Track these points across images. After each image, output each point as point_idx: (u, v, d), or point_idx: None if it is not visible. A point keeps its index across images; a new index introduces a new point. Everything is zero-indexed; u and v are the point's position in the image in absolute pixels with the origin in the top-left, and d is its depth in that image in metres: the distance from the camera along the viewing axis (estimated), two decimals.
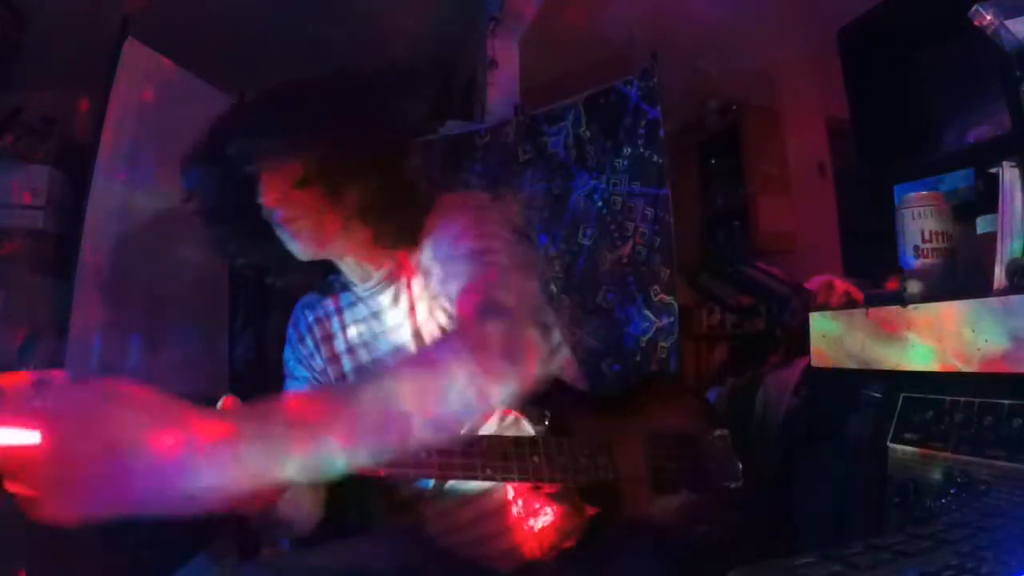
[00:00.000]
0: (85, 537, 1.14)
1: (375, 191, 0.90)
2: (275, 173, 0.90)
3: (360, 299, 1.02)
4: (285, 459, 0.56)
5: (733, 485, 1.05)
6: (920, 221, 1.39)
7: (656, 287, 2.27)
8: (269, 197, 0.90)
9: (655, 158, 2.32)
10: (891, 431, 1.28)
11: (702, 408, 1.13)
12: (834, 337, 1.46)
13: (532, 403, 0.94)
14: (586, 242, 2.47)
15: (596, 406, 1.04)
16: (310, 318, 1.08)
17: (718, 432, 1.08)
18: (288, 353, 1.09)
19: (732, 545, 1.00)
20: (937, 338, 1.22)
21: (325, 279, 1.05)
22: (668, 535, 0.97)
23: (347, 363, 1.04)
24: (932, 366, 1.23)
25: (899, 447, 1.26)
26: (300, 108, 0.93)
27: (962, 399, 1.17)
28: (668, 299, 2.25)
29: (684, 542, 0.98)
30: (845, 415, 1.58)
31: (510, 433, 0.93)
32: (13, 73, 2.87)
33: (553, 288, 2.18)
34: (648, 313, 2.28)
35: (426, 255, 0.94)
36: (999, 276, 1.18)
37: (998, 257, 1.19)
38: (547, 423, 0.93)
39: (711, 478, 1.04)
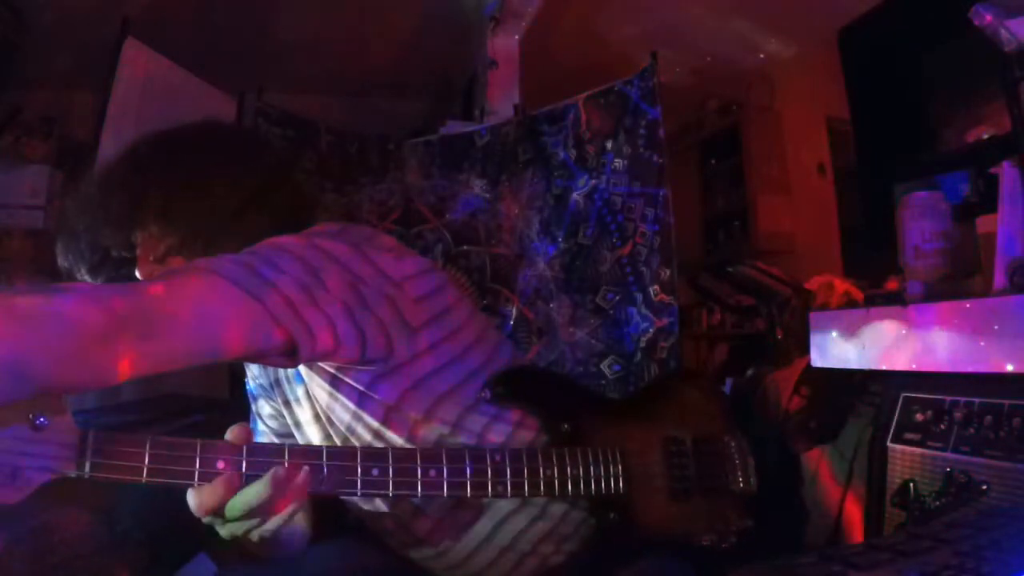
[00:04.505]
0: (85, 538, 1.14)
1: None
2: (143, 249, 0.93)
3: None
4: None
5: (748, 492, 1.04)
6: (920, 221, 1.39)
7: (656, 287, 2.27)
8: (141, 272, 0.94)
9: (655, 158, 2.32)
10: (891, 431, 1.29)
11: (721, 409, 1.12)
12: (834, 337, 1.46)
13: (553, 412, 0.94)
14: (586, 242, 2.47)
15: (615, 411, 1.03)
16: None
17: (736, 435, 1.07)
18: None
19: (739, 549, 0.99)
20: (937, 338, 1.22)
21: None
22: (681, 542, 0.97)
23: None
24: (932, 366, 1.23)
25: (899, 447, 1.26)
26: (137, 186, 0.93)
27: (962, 399, 1.17)
28: (668, 299, 2.25)
29: (695, 549, 0.97)
30: (845, 415, 1.58)
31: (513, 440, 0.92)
32: (13, 73, 2.87)
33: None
34: (648, 313, 2.28)
35: None
36: (999, 276, 1.18)
37: (998, 257, 1.19)
38: (565, 431, 0.92)
39: (728, 483, 1.03)
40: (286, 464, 0.71)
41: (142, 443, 0.65)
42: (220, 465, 0.68)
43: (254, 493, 0.68)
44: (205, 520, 0.70)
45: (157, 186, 0.91)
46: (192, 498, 0.68)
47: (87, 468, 0.63)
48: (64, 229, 0.97)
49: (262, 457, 0.70)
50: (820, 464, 1.60)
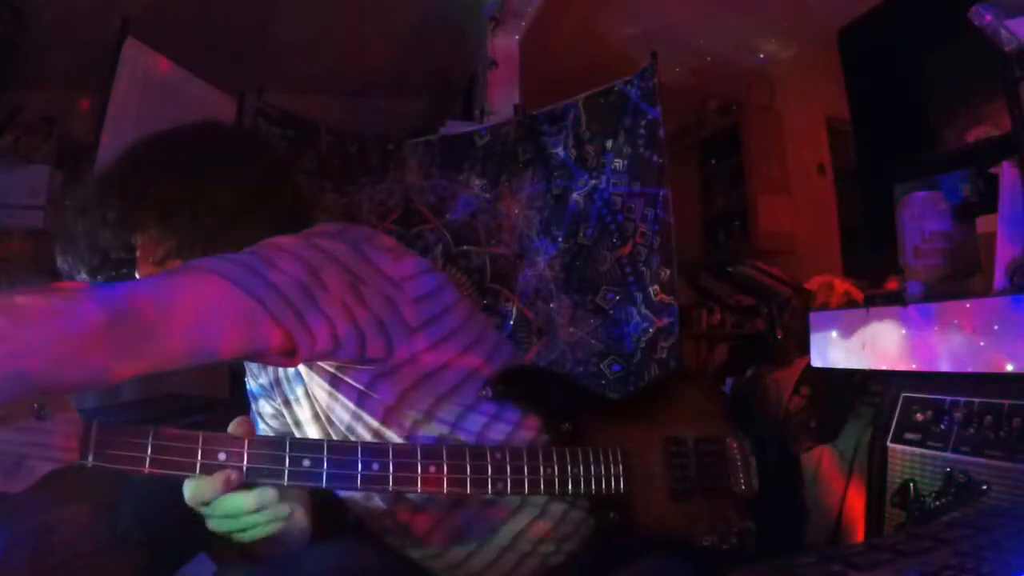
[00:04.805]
0: (85, 538, 1.14)
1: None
2: (143, 251, 0.92)
3: None
4: None
5: (750, 493, 1.03)
6: (920, 221, 1.40)
7: (656, 287, 2.27)
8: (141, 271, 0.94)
9: (655, 158, 2.31)
10: (891, 431, 1.29)
11: (723, 409, 1.12)
12: (834, 337, 1.46)
13: (554, 412, 0.94)
14: (586, 242, 2.47)
15: (616, 411, 1.03)
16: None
17: (738, 435, 1.06)
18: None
19: (739, 549, 0.99)
20: (937, 338, 1.22)
21: None
22: (681, 542, 0.97)
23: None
24: (932, 366, 1.23)
25: (899, 447, 1.26)
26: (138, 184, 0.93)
27: (962, 399, 1.17)
28: (668, 299, 2.25)
29: (696, 549, 0.97)
30: (845, 415, 1.58)
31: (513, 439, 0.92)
32: (13, 73, 2.87)
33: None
34: (648, 313, 2.28)
35: None
36: (999, 276, 1.18)
37: (998, 257, 1.19)
38: (566, 431, 0.92)
39: (729, 484, 1.03)
40: (287, 459, 0.71)
41: (145, 434, 0.66)
42: (222, 456, 0.69)
43: (235, 505, 0.70)
44: (200, 510, 0.71)
45: (155, 189, 0.91)
46: (187, 488, 0.69)
47: (90, 458, 0.64)
48: (63, 232, 0.97)
49: (264, 450, 0.71)
50: (820, 464, 1.60)
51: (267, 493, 0.72)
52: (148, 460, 0.66)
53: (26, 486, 0.61)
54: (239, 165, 0.96)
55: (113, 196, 0.93)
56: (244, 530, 0.73)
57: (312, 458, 0.73)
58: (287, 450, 0.72)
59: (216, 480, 0.68)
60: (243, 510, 0.70)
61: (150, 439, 0.66)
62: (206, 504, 0.70)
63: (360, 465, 0.75)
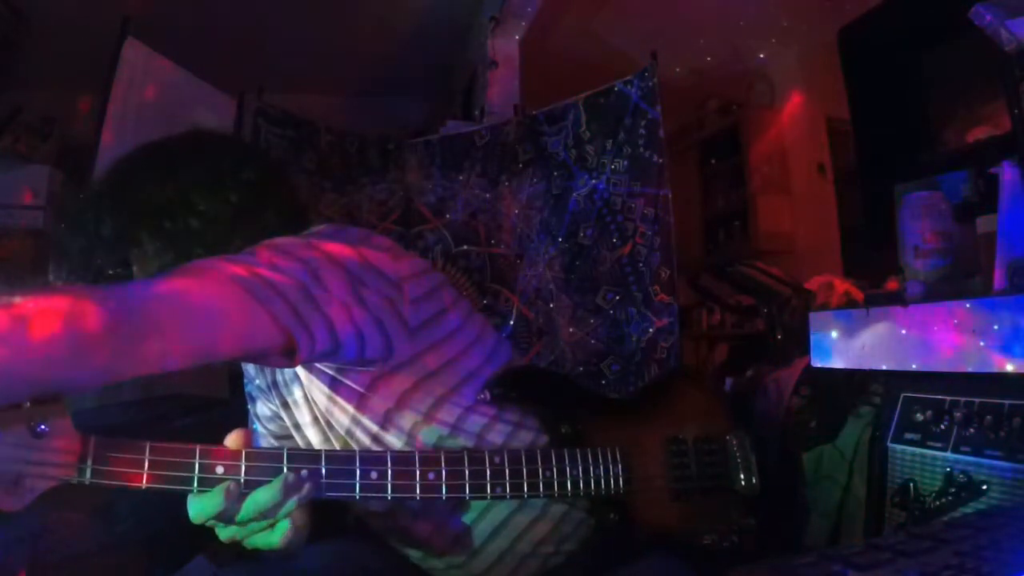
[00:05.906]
0: (85, 538, 1.14)
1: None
2: (139, 266, 0.92)
3: None
4: None
5: (751, 491, 1.03)
6: (920, 221, 1.39)
7: (656, 287, 2.27)
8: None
9: (655, 158, 2.32)
10: (891, 431, 1.29)
11: (723, 408, 1.11)
12: (834, 337, 1.46)
13: (553, 413, 0.94)
14: (586, 242, 2.47)
15: (616, 411, 1.03)
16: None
17: (739, 434, 1.06)
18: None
19: (739, 549, 0.99)
20: (937, 338, 1.22)
21: None
22: (682, 542, 0.97)
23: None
24: (932, 366, 1.23)
25: (899, 447, 1.26)
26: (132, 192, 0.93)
27: (962, 399, 1.17)
28: (668, 299, 2.25)
29: (696, 549, 0.97)
30: (845, 415, 1.58)
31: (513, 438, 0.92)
32: (13, 73, 2.88)
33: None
34: (648, 313, 2.28)
35: None
36: (999, 276, 1.18)
37: (998, 257, 1.19)
38: (565, 432, 0.92)
39: (731, 483, 1.03)
40: (285, 468, 0.71)
41: (142, 449, 0.65)
42: (219, 470, 0.68)
43: (266, 497, 0.68)
44: (208, 524, 0.70)
45: (148, 203, 0.91)
46: (192, 506, 0.68)
47: (88, 475, 0.63)
48: (59, 250, 0.96)
49: (261, 462, 0.70)
50: (820, 464, 1.60)
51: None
52: (145, 476, 0.65)
53: (25, 503, 0.61)
54: (231, 174, 0.95)
55: (105, 213, 0.92)
56: (269, 527, 0.72)
57: (310, 468, 0.72)
58: (285, 461, 0.71)
59: (218, 494, 0.67)
60: (270, 503, 0.69)
61: (147, 454, 0.65)
62: (215, 520, 0.69)
63: (359, 474, 0.75)
